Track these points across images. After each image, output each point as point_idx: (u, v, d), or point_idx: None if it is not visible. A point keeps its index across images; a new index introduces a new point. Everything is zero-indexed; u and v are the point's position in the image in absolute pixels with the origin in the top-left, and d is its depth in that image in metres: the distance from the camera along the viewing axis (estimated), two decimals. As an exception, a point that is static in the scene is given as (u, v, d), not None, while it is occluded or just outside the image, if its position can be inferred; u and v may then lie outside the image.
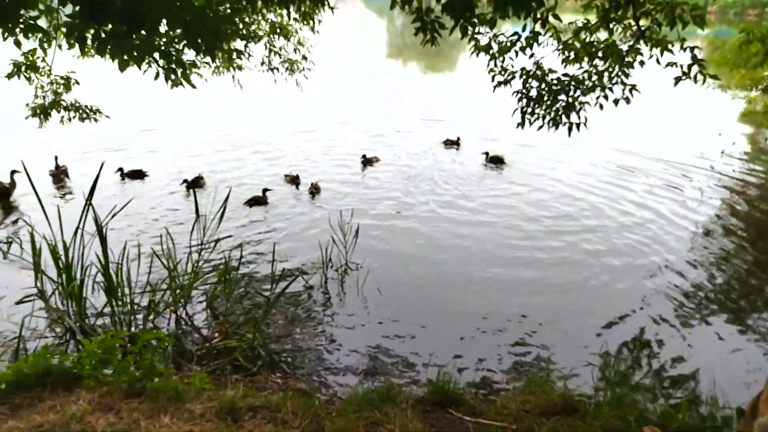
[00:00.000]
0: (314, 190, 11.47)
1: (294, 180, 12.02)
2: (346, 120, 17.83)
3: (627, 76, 5.33)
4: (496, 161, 13.26)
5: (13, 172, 10.21)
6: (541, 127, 5.92)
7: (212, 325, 6.52)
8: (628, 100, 5.38)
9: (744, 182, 9.35)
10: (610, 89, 5.42)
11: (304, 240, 9.08)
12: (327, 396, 5.12)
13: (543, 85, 5.47)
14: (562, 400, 4.17)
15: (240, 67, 9.77)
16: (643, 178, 12.37)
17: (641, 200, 10.98)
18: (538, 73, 5.49)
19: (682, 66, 4.94)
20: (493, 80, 5.87)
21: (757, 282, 7.84)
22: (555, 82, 5.44)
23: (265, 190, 11.04)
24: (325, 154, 14.02)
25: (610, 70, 5.37)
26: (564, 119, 5.76)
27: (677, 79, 4.95)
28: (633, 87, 5.34)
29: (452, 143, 14.63)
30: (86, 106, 8.52)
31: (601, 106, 5.48)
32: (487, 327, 6.62)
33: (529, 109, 5.55)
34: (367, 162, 13.28)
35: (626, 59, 5.26)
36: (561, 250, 8.85)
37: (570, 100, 5.54)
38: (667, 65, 5.06)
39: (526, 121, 5.65)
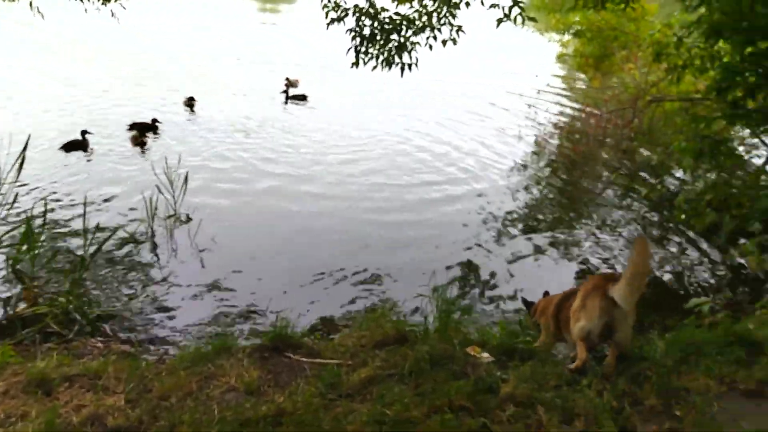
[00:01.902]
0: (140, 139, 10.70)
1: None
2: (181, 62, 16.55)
3: (454, 17, 5.60)
4: (298, 98, 13.81)
5: None
6: (375, 68, 6.03)
7: (18, 292, 5.88)
8: (455, 41, 5.66)
9: (556, 120, 10.58)
10: (439, 30, 5.67)
11: (127, 189, 8.44)
12: (157, 356, 4.95)
13: (376, 24, 5.53)
14: (394, 332, 4.49)
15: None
16: (464, 116, 13.42)
17: (461, 139, 11.93)
18: (371, 11, 5.53)
19: (503, 8, 5.31)
20: (326, 17, 5.81)
21: (561, 204, 9.09)
22: (387, 20, 5.53)
23: (84, 133, 9.99)
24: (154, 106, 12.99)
25: (439, 10, 5.59)
26: (397, 59, 5.93)
27: (499, 21, 5.33)
28: (459, 28, 5.63)
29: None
30: None
31: (430, 47, 5.72)
32: (325, 273, 6.76)
33: (363, 48, 5.61)
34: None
35: (453, 0, 5.51)
36: (390, 192, 9.38)
37: (402, 39, 5.69)
38: (490, 6, 5.40)
39: (360, 61, 5.71)
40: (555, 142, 10.86)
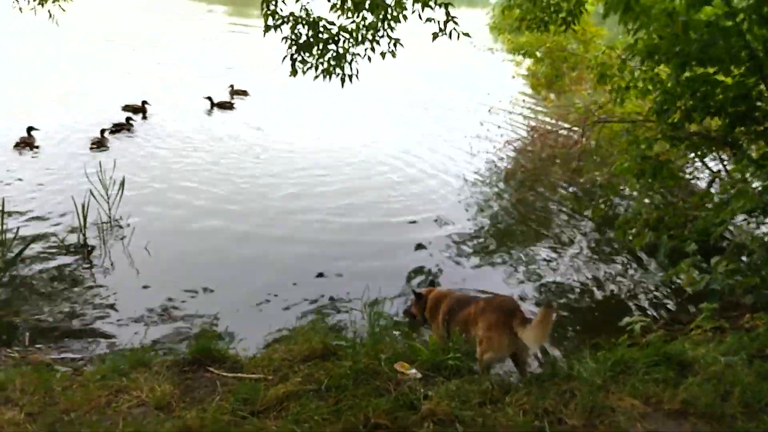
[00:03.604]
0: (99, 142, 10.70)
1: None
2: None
3: (392, 29, 5.60)
4: (222, 106, 14.01)
5: None
6: (317, 77, 5.98)
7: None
8: (393, 54, 5.67)
9: (508, 137, 10.74)
10: (377, 42, 5.66)
11: (59, 194, 8.14)
12: (74, 368, 4.70)
13: (311, 32, 5.47)
14: (322, 346, 4.38)
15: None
16: (415, 133, 13.54)
17: (412, 155, 11.99)
18: (309, 20, 5.47)
19: (439, 22, 5.35)
20: (265, 24, 5.73)
21: (511, 222, 9.16)
22: (321, 30, 5.49)
23: (29, 129, 9.70)
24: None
25: (378, 23, 5.58)
26: (338, 70, 5.89)
27: (434, 35, 5.36)
28: (397, 41, 5.64)
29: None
30: None
31: (369, 59, 5.71)
32: (265, 286, 6.58)
33: (299, 57, 5.55)
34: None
35: (392, 13, 5.52)
36: (336, 204, 9.30)
37: (341, 50, 5.66)
38: (426, 21, 5.42)
39: (299, 70, 5.65)
40: (507, 159, 11.02)
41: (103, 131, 11.06)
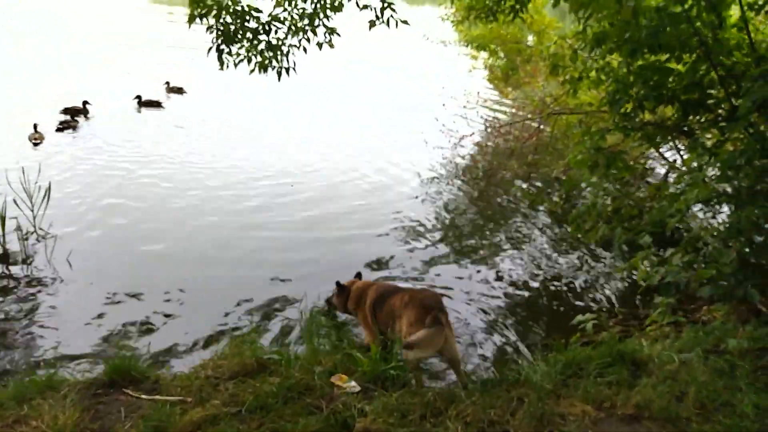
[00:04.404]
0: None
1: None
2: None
3: (328, 18, 5.28)
4: (150, 104, 13.90)
5: None
6: (252, 71, 5.62)
7: None
8: (331, 44, 5.36)
9: (464, 132, 10.55)
10: (314, 32, 5.33)
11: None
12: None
13: (238, 22, 5.09)
14: (253, 361, 4.06)
15: None
16: (366, 130, 13.38)
17: (366, 151, 11.82)
18: (236, 9, 5.09)
19: (375, 9, 5.07)
20: (191, 12, 5.34)
21: (468, 218, 8.96)
22: (248, 19, 5.12)
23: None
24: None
25: (314, 12, 5.25)
26: (275, 63, 5.54)
27: (371, 23, 5.08)
28: (333, 30, 5.32)
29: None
30: None
31: (305, 50, 5.38)
32: (186, 297, 6.12)
33: (226, 48, 5.17)
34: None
35: (329, 1, 5.20)
36: (286, 203, 9.00)
37: (274, 41, 5.32)
38: (363, 8, 5.14)
39: (225, 62, 5.26)
40: (463, 154, 10.83)
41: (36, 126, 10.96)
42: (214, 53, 5.22)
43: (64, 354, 4.93)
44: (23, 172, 7.04)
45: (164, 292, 6.07)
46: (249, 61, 5.39)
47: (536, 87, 10.07)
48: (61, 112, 12.31)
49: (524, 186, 10.01)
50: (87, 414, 3.47)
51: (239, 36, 5.10)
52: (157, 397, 3.69)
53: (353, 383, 3.84)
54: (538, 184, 10.14)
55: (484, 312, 6.05)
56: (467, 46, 11.51)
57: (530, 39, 10.34)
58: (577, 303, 6.41)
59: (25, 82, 12.02)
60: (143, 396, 3.74)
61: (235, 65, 5.40)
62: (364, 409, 3.41)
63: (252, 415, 3.31)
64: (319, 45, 5.35)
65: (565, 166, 8.23)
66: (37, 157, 9.81)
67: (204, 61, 6.32)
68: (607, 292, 6.81)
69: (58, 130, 11.65)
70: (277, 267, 6.80)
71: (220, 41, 5.10)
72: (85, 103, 12.77)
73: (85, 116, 12.65)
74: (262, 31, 5.18)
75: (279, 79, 5.51)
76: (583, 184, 8.90)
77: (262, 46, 5.30)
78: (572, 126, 8.20)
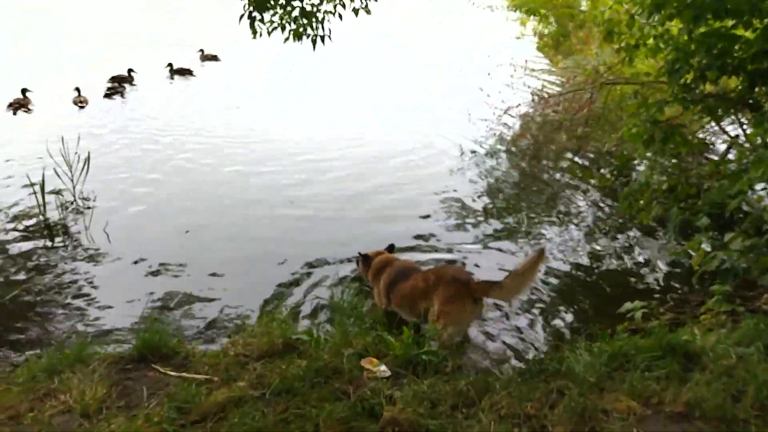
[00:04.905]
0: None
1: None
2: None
3: (365, -19, 5.04)
4: (181, 72, 14.34)
5: None
6: (286, 40, 5.45)
7: None
8: (367, 10, 5.12)
9: (510, 103, 10.15)
10: (350, -4, 5.10)
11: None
12: (11, 365, 4.34)
13: (269, -16, 4.90)
14: (281, 341, 3.98)
15: None
16: (408, 100, 13.07)
17: (409, 122, 11.55)
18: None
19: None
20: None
21: (511, 194, 8.64)
22: (281, -19, 4.93)
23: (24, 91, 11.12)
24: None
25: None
26: (309, 31, 5.35)
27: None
28: (370, -7, 5.08)
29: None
30: None
31: (340, 16, 5.15)
32: (223, 272, 6.09)
33: (258, 15, 5.00)
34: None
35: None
36: (331, 179, 8.87)
37: (308, 7, 5.12)
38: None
39: (258, 30, 5.10)
40: (509, 127, 10.40)
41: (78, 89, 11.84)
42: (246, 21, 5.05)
43: (99, 327, 5.01)
44: (63, 141, 7.13)
45: (200, 267, 6.07)
46: (283, 29, 5.21)
47: (589, 55, 9.53)
48: (108, 81, 12.93)
49: (574, 160, 9.58)
50: (114, 389, 3.47)
51: (272, 2, 4.90)
52: (185, 374, 3.66)
53: (383, 367, 3.71)
54: (589, 158, 9.69)
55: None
56: (515, 10, 10.98)
57: (583, 4, 9.74)
58: (626, 288, 6.08)
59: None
60: (171, 372, 3.72)
61: (269, 33, 5.23)
62: (392, 396, 3.28)
63: (277, 398, 3.22)
64: (355, 11, 5.12)
65: (618, 139, 7.79)
66: (79, 126, 10.04)
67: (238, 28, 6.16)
68: (659, 277, 6.43)
69: (106, 96, 12.37)
70: (315, 245, 6.69)
71: (252, 8, 4.92)
72: (130, 71, 13.21)
73: (131, 83, 13.24)
74: (295, -4, 4.97)
75: (314, 47, 5.33)
76: (637, 160, 8.49)
77: (296, 12, 5.10)
78: (627, 97, 7.73)
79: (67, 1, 21.63)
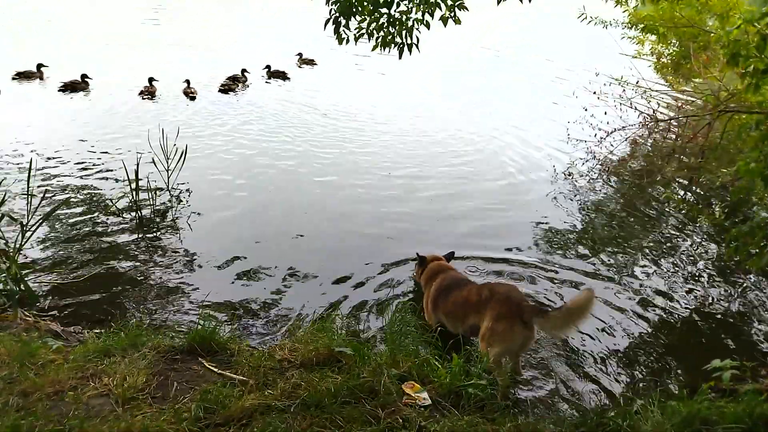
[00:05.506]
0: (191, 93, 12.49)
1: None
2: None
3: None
4: (278, 76, 14.85)
5: None
6: (374, 48, 5.38)
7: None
8: (457, 20, 4.92)
9: (616, 125, 9.50)
10: (438, 6, 4.91)
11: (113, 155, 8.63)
12: (73, 342, 4.56)
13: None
14: (326, 351, 3.89)
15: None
16: (506, 115, 12.82)
17: (503, 137, 11.31)
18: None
19: (507, -20, 4.52)
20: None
21: (606, 222, 8.06)
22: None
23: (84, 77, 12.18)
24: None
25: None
26: (398, 39, 5.23)
27: (501, -5, 4.53)
28: (461, 5, 4.84)
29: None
30: None
31: (427, 24, 4.99)
32: (299, 273, 6.10)
33: (343, 21, 4.94)
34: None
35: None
36: (418, 187, 8.78)
37: (396, 14, 5.00)
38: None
39: (346, 37, 5.04)
40: (611, 149, 9.70)
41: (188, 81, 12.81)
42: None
43: (166, 317, 5.16)
44: (162, 133, 7.54)
45: (275, 267, 6.13)
46: (370, 36, 5.14)
47: (711, 79, 8.68)
48: (226, 79, 13.78)
49: (682, 193, 8.76)
50: (156, 378, 3.53)
51: (359, 8, 4.84)
52: (226, 373, 3.67)
53: (425, 395, 3.51)
54: (698, 193, 8.82)
55: (602, 333, 5.33)
56: (631, 28, 10.27)
57: (710, 23, 8.89)
58: (721, 342, 5.41)
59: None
60: (214, 369, 3.75)
61: (355, 40, 5.18)
62: (425, 429, 3.08)
63: (304, 412, 3.12)
64: (444, 20, 4.94)
65: (734, 174, 7.00)
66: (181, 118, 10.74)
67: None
68: (762, 335, 5.67)
69: (221, 91, 13.22)
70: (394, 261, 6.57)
71: (337, 14, 4.88)
72: (243, 71, 13.91)
73: (244, 84, 14.10)
74: (383, 3, 4.87)
75: (400, 56, 5.20)
76: (754, 198, 7.61)
77: (383, 19, 5.01)
78: (747, 127, 6.92)
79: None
